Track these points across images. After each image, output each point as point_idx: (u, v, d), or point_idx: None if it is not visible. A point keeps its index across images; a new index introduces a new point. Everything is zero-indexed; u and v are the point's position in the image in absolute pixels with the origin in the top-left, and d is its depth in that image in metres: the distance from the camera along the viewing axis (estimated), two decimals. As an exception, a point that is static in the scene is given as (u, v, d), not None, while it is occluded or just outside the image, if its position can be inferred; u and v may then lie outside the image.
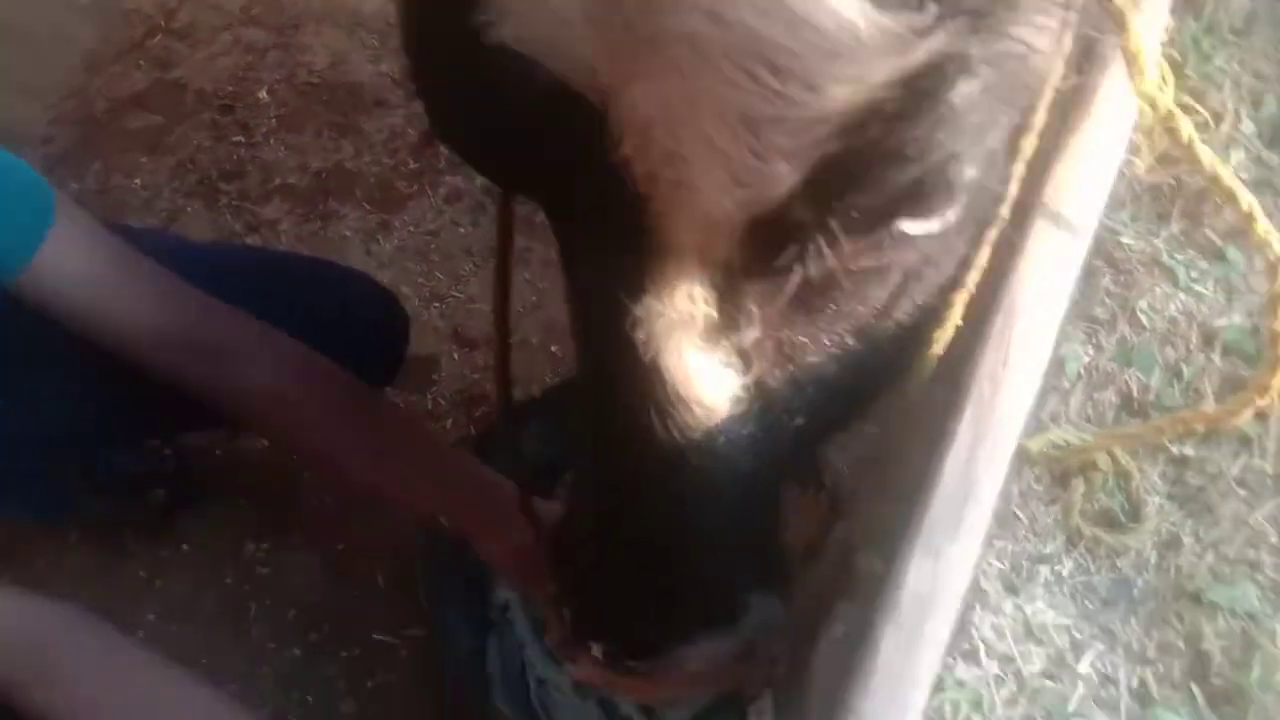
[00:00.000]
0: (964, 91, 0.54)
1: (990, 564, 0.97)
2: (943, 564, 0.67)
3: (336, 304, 1.44)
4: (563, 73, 0.56)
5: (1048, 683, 0.91)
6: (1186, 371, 1.04)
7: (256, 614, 1.68)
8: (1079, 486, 1.00)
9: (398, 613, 1.64)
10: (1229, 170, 0.72)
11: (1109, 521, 1.00)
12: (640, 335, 0.67)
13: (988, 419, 0.73)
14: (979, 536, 0.70)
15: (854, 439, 1.20)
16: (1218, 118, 1.16)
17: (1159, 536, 1.00)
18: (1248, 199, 0.73)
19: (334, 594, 1.68)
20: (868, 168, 0.55)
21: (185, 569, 1.73)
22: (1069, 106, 0.84)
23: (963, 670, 0.89)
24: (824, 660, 0.77)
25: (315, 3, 2.55)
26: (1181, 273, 1.08)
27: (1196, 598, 0.96)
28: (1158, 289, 1.07)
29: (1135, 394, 1.03)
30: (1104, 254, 1.08)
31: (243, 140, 2.30)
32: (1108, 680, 0.93)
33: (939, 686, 0.86)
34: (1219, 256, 1.09)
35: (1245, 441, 1.03)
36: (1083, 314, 1.06)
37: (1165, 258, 1.09)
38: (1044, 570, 0.98)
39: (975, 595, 0.94)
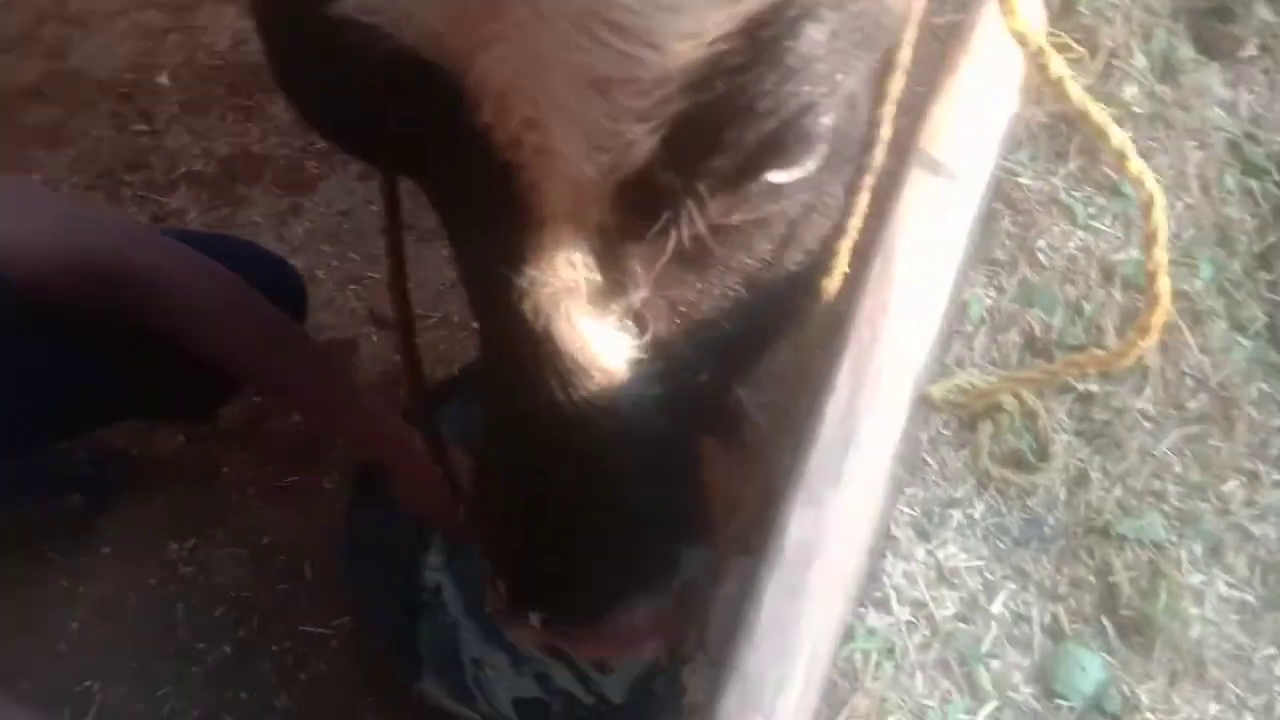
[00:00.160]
0: (812, 38, 0.53)
1: (901, 511, 0.97)
2: (826, 512, 0.66)
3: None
4: (413, 43, 0.55)
5: (961, 625, 0.91)
6: (1087, 308, 1.04)
7: (184, 614, 1.65)
8: (987, 429, 1.00)
9: (327, 603, 1.61)
10: (1099, 108, 0.71)
11: (1018, 462, 1.00)
12: (528, 306, 0.67)
13: (867, 366, 0.72)
14: (867, 484, 0.70)
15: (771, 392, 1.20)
16: (1111, 53, 1.16)
17: (1067, 474, 1.00)
18: (1119, 135, 0.72)
19: (262, 588, 1.65)
20: (722, 126, 0.55)
21: (107, 573, 1.69)
22: (947, 46, 0.83)
23: (874, 618, 0.88)
24: (718, 618, 0.76)
25: (214, -18, 2.47)
26: (1080, 210, 1.08)
27: (1105, 531, 0.97)
28: (1056, 228, 1.06)
29: (1038, 334, 1.03)
30: (1003, 195, 1.07)
31: (145, 129, 2.24)
32: (1020, 619, 0.93)
33: (849, 636, 0.85)
34: (1115, 192, 1.09)
35: (1148, 375, 1.04)
36: (983, 256, 1.05)
37: (1063, 196, 1.08)
38: (955, 514, 0.98)
39: (886, 543, 0.93)
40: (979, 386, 0.99)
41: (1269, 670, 0.89)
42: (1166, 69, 1.18)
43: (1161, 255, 0.85)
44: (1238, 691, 0.88)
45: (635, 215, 0.61)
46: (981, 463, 0.99)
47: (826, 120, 0.59)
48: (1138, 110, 1.15)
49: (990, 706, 0.86)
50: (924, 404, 0.96)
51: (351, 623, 1.58)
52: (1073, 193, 1.10)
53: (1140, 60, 1.17)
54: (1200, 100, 1.16)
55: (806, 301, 0.78)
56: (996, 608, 0.93)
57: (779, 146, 0.57)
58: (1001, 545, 0.97)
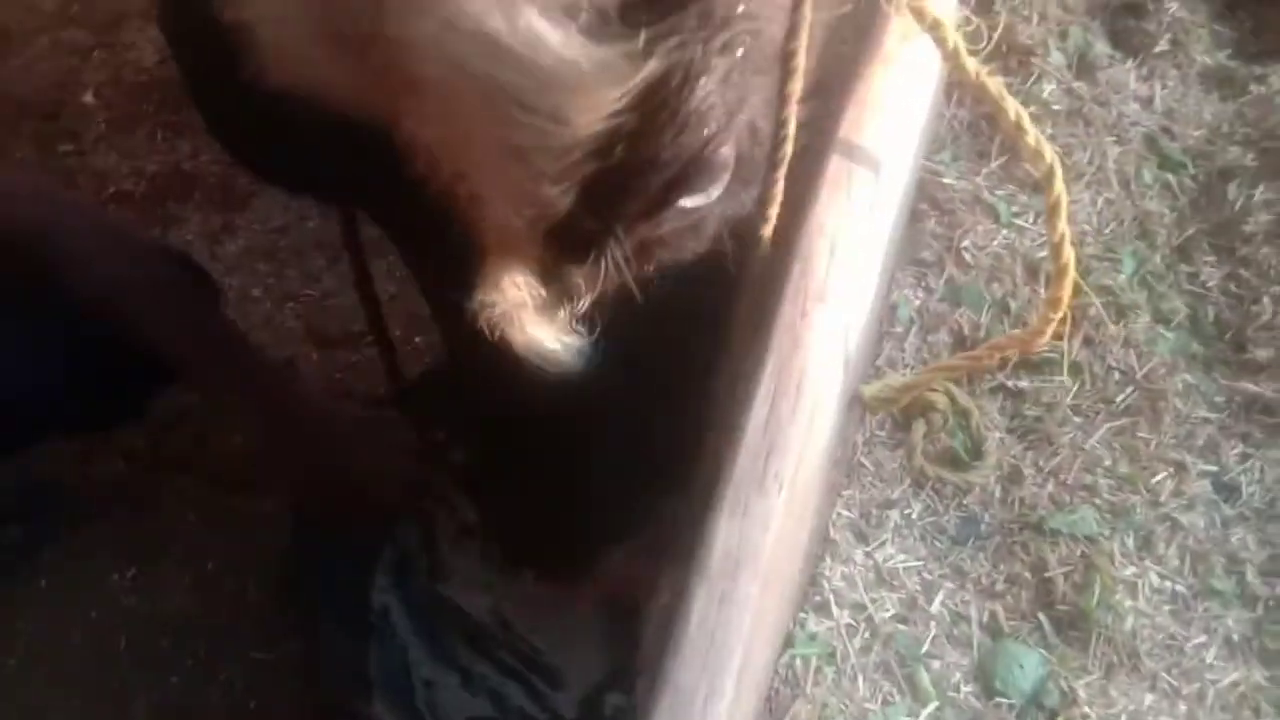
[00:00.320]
0: (703, 88, 0.58)
1: (839, 513, 0.97)
2: (750, 521, 0.66)
3: None
4: (341, 109, 0.60)
5: (900, 627, 0.92)
6: (1014, 305, 1.05)
7: (127, 645, 1.60)
8: (920, 428, 1.01)
9: (274, 628, 1.58)
10: (997, 81, 0.73)
11: (952, 460, 1.01)
12: (482, 323, 0.72)
13: (788, 372, 0.72)
14: (796, 490, 0.70)
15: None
16: (1028, 50, 1.17)
17: (1001, 470, 1.01)
18: (1015, 107, 0.74)
19: (207, 616, 1.62)
20: (629, 178, 0.60)
21: (46, 607, 1.64)
22: (859, 45, 0.84)
23: (814, 623, 0.89)
24: (653, 630, 0.77)
25: (137, -2, 2.42)
26: (1003, 208, 1.09)
27: (1039, 527, 0.98)
28: (980, 226, 1.08)
29: (967, 332, 1.04)
30: (928, 196, 1.09)
31: (71, 149, 2.18)
32: (959, 618, 0.95)
33: (789, 643, 0.86)
34: (1037, 189, 1.11)
35: (1077, 370, 1.05)
36: (910, 258, 1.06)
37: (986, 195, 1.10)
38: (893, 515, 0.99)
39: (825, 546, 0.94)
40: (907, 382, 1.00)
41: (1200, 659, 0.91)
42: (1083, 66, 1.20)
43: (1064, 225, 0.86)
44: (1171, 681, 0.90)
45: (565, 251, 0.67)
46: (916, 462, 1.00)
47: (727, 150, 0.64)
48: (1056, 107, 1.17)
49: (931, 707, 0.87)
50: (857, 405, 0.97)
51: (300, 648, 1.56)
52: (996, 191, 1.11)
53: (1057, 58, 1.19)
54: (1117, 96, 1.19)
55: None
56: (935, 607, 0.94)
57: (684, 182, 0.63)
58: (939, 544, 0.98)
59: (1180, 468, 1.00)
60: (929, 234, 1.08)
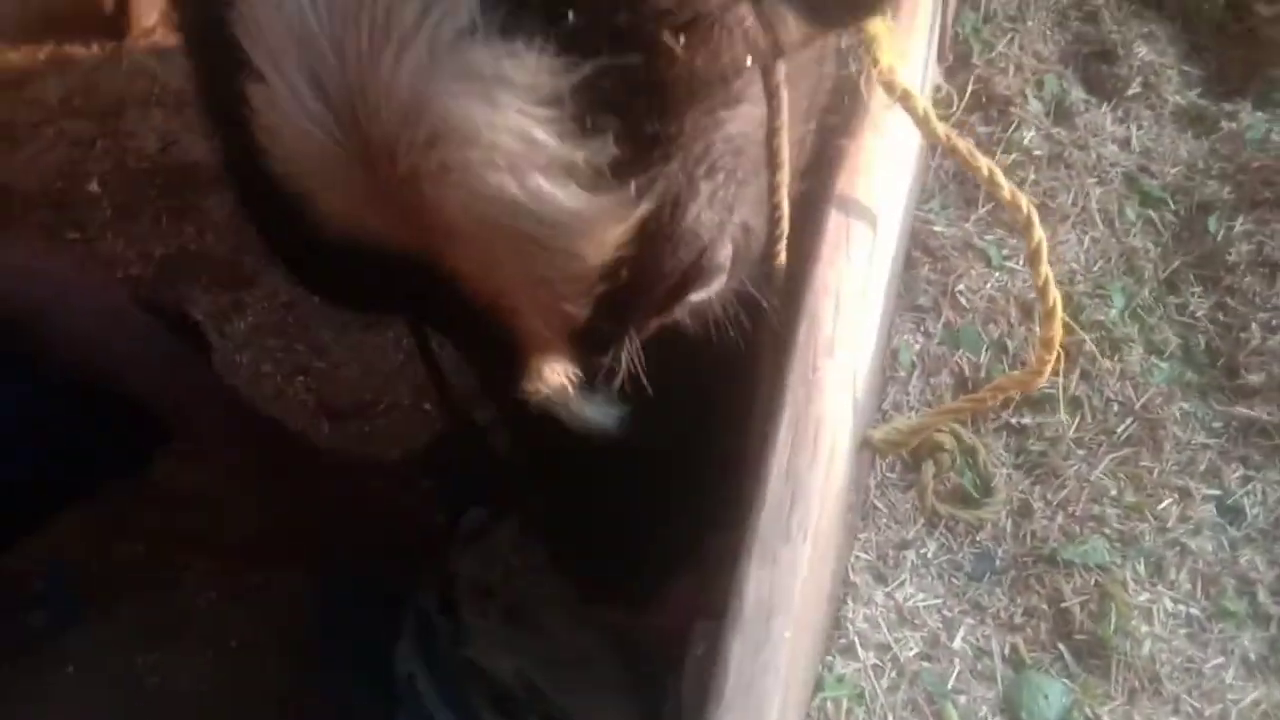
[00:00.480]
0: (692, 211, 0.69)
1: (858, 557, 1.00)
2: (779, 569, 0.69)
3: None
4: (392, 253, 0.70)
5: (925, 664, 0.94)
6: (1010, 345, 1.09)
7: (154, 729, 1.62)
8: (930, 469, 1.04)
9: (301, 702, 1.59)
10: (967, 143, 0.78)
11: (963, 498, 1.04)
12: (530, 401, 0.83)
13: (805, 424, 0.76)
14: (818, 536, 0.73)
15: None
16: (1007, 100, 1.22)
17: (1011, 505, 1.04)
18: (986, 163, 0.80)
19: (232, 693, 1.63)
20: (636, 290, 0.71)
21: (73, 694, 1.66)
22: (847, 114, 0.89)
23: (841, 665, 0.91)
24: (689, 682, 0.79)
25: (137, 86, 2.49)
26: (993, 252, 1.14)
27: (1052, 559, 1.01)
28: (973, 270, 1.12)
29: (967, 373, 1.08)
30: (921, 244, 1.13)
31: (79, 237, 2.23)
32: (982, 652, 0.96)
33: (818, 686, 0.88)
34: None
35: (1076, 404, 1.09)
36: (909, 304, 1.10)
37: (977, 240, 1.14)
38: (909, 555, 1.01)
39: (846, 589, 0.97)
40: (914, 424, 1.03)
41: (1220, 679, 0.93)
42: (1060, 112, 1.25)
43: (1046, 269, 0.91)
44: (1194, 703, 0.92)
45: (589, 350, 0.79)
46: (928, 502, 1.03)
47: (725, 251, 0.74)
48: (1038, 153, 1.22)
49: (960, 742, 0.88)
50: (866, 449, 1.00)
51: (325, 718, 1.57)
52: (985, 236, 1.16)
53: (1035, 105, 1.25)
54: (1095, 139, 1.24)
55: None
56: (958, 643, 0.96)
57: (685, 289, 0.74)
58: (956, 581, 1.01)
59: (1184, 494, 1.03)
60: (924, 280, 1.12)
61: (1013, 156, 1.20)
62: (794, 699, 0.73)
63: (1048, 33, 1.30)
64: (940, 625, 0.97)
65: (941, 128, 0.90)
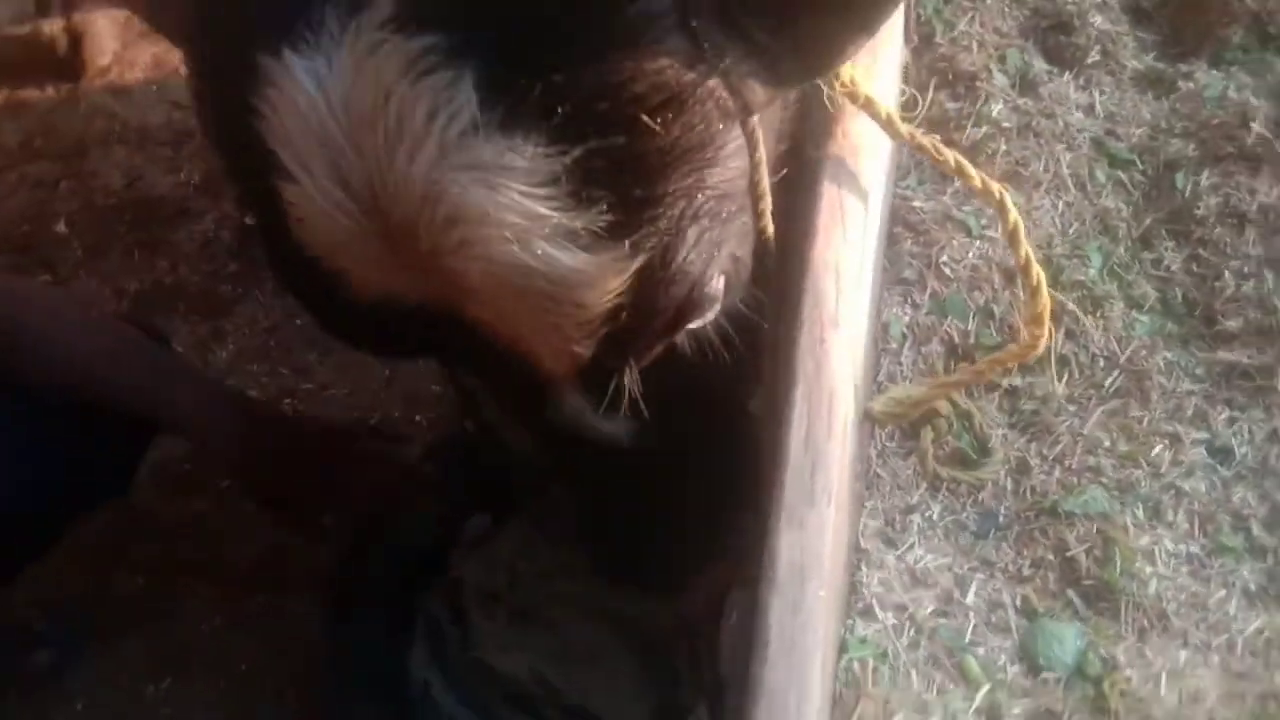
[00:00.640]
0: (682, 254, 0.78)
1: (866, 524, 1.02)
2: (807, 532, 0.72)
3: None
4: (419, 307, 0.80)
5: (942, 621, 0.97)
6: (996, 310, 1.12)
7: (168, 758, 1.61)
8: (928, 435, 1.06)
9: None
10: (932, 138, 0.83)
11: (962, 461, 1.07)
12: (549, 421, 0.95)
13: (818, 394, 0.79)
14: (837, 503, 0.75)
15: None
16: (973, 76, 1.26)
17: (1009, 464, 1.07)
18: (952, 155, 0.84)
19: (245, 717, 1.62)
20: (635, 332, 0.81)
21: (84, 730, 1.65)
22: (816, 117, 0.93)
23: (862, 628, 0.93)
24: (726, 651, 0.81)
25: (97, 126, 2.48)
26: (972, 222, 1.17)
27: (1054, 511, 1.03)
28: (955, 241, 1.15)
29: (957, 340, 1.11)
30: (901, 220, 1.16)
31: (49, 278, 2.22)
32: (995, 605, 0.99)
33: (843, 648, 0.90)
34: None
35: (1064, 362, 1.12)
36: (895, 279, 1.13)
37: (955, 212, 1.17)
38: (915, 519, 1.04)
39: (859, 556, 0.99)
40: (915, 396, 1.06)
41: (1224, 612, 0.96)
42: (1025, 84, 1.29)
43: (1026, 247, 0.95)
44: (1201, 636, 0.95)
45: (597, 380, 0.87)
46: (929, 467, 1.06)
47: (717, 282, 0.84)
48: (1007, 124, 1.25)
49: (984, 691, 0.91)
50: (867, 420, 1.03)
51: (342, 736, 1.57)
52: (963, 208, 1.19)
53: (1000, 79, 1.28)
54: (1060, 107, 1.27)
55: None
56: (970, 599, 0.99)
57: (680, 321, 0.84)
58: (963, 540, 1.03)
59: (1175, 439, 1.07)
60: (908, 254, 1.15)
61: (983, 130, 1.24)
62: (829, 660, 0.75)
63: (1006, 9, 1.33)
64: (952, 583, 1.00)
65: (905, 128, 0.97)
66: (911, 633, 0.95)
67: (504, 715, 1.46)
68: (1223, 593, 0.97)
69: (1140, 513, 1.02)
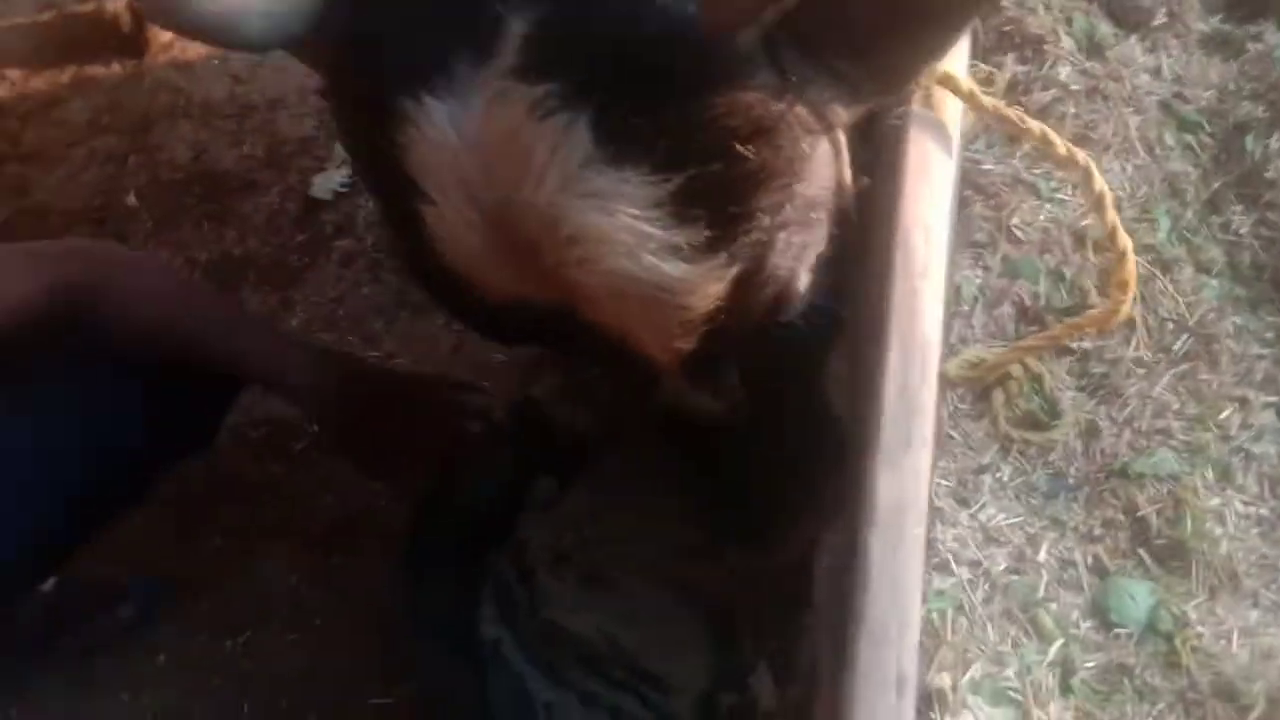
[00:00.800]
0: (772, 259, 0.87)
1: (939, 483, 1.05)
2: (905, 474, 0.76)
3: None
4: (540, 307, 0.90)
5: (1015, 577, 0.99)
6: (1067, 273, 1.13)
7: (250, 709, 1.68)
8: (999, 397, 1.08)
9: (389, 673, 1.65)
10: (1016, 110, 0.85)
11: (1033, 423, 1.09)
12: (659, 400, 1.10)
13: (911, 343, 0.83)
14: (927, 448, 0.79)
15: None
16: (1040, 40, 1.27)
17: (1079, 426, 1.08)
18: (1037, 126, 0.86)
19: (322, 670, 1.69)
20: (732, 327, 0.89)
21: (168, 680, 1.72)
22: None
23: (939, 581, 0.96)
24: (821, 592, 0.85)
25: (162, 100, 2.54)
26: (1043, 185, 1.18)
27: (1124, 473, 1.05)
28: (1025, 204, 1.16)
29: (1028, 303, 1.12)
30: (972, 183, 1.17)
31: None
32: (1066, 563, 1.01)
33: (923, 599, 0.93)
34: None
35: (1132, 325, 1.13)
36: (966, 241, 1.14)
37: (1025, 175, 1.18)
38: (987, 479, 1.06)
39: (933, 513, 1.02)
40: (989, 360, 1.08)
41: (1293, 571, 0.98)
42: (1092, 47, 1.29)
43: (1113, 215, 0.96)
44: (1272, 596, 0.97)
45: (699, 368, 0.99)
46: (1000, 429, 1.08)
47: (804, 278, 0.92)
48: (1075, 88, 1.25)
49: (1058, 644, 0.94)
50: (942, 381, 1.05)
51: (417, 689, 1.63)
52: (1033, 170, 1.20)
53: (1067, 43, 1.28)
54: (1128, 70, 1.27)
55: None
56: (1043, 556, 1.01)
57: (773, 314, 0.93)
58: (1034, 501, 1.06)
59: (1244, 402, 1.08)
60: (979, 217, 1.16)
61: (1051, 93, 1.24)
62: (920, 600, 0.79)
63: (1073, -29, 1.34)
64: (1024, 541, 1.02)
65: (989, 100, 0.98)
66: (986, 588, 0.98)
67: (574, 675, 1.49)
68: (1293, 554, 0.98)
69: (1210, 475, 1.04)
